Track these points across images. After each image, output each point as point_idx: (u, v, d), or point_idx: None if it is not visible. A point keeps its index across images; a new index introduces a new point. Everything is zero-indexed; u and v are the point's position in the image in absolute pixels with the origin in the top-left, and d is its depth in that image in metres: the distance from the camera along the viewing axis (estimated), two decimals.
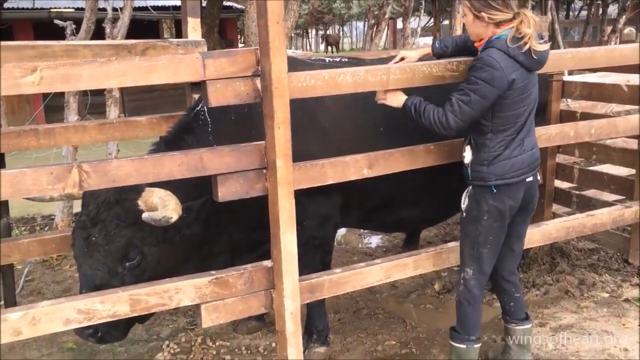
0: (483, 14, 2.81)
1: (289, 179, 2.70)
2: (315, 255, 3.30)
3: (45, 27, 11.26)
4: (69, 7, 12.41)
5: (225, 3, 13.78)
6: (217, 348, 3.60)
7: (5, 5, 10.98)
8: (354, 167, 2.98)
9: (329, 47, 34.80)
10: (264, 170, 2.75)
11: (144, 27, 13.15)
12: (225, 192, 2.70)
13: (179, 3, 13.75)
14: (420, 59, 3.20)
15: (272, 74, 2.56)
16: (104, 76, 2.38)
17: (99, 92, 5.70)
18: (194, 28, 3.53)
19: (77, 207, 5.87)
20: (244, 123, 3.08)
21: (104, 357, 3.57)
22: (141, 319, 3.02)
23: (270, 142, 2.67)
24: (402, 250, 4.61)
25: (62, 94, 6.82)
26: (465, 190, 3.01)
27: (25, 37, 12.27)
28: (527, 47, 2.73)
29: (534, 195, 3.03)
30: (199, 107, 3.11)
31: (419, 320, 3.87)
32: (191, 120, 3.12)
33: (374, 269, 3.12)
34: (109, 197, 2.81)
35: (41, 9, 11.89)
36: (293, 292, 2.80)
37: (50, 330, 2.48)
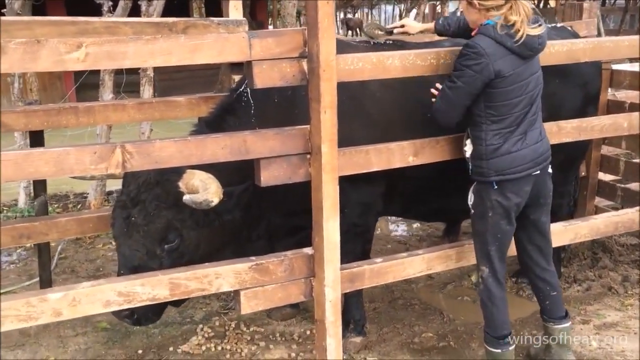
0: (474, 0, 2.72)
1: (334, 165, 2.62)
2: (356, 244, 3.22)
3: (77, 4, 11.26)
4: None
5: None
6: (252, 334, 3.55)
7: None
8: (400, 155, 2.89)
9: (350, 32, 34.25)
10: (308, 155, 2.67)
11: (174, 7, 13.09)
12: (268, 176, 2.63)
13: None
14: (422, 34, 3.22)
15: (320, 56, 2.47)
16: (149, 54, 2.32)
17: (133, 71, 5.67)
18: (235, 7, 3.44)
19: (110, 185, 5.89)
20: (287, 106, 3.00)
21: (138, 338, 3.54)
22: (176, 302, 2.98)
23: (315, 126, 2.58)
24: (441, 240, 4.50)
25: (95, 71, 6.82)
26: (472, 186, 2.93)
27: (58, 13, 12.28)
28: (520, 33, 2.64)
29: (543, 189, 2.92)
30: (242, 88, 3.03)
31: (456, 313, 3.77)
32: (233, 101, 3.05)
33: (416, 259, 3.04)
34: (149, 177, 2.77)
35: None
36: (334, 281, 2.73)
37: (90, 312, 2.45)
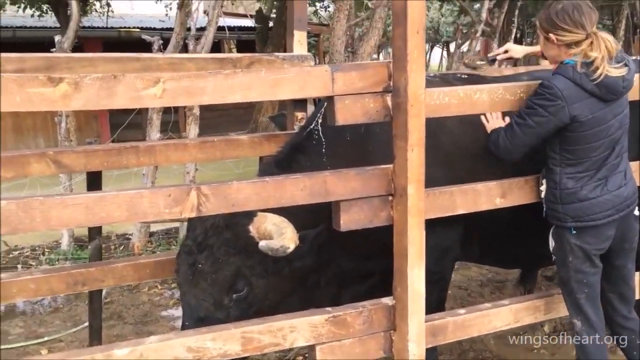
0: (551, 35, 2.54)
1: (420, 208, 2.41)
2: (432, 292, 2.94)
3: (114, 46, 11.41)
4: (136, 27, 12.62)
5: None
6: None
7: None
8: (486, 196, 2.67)
9: None
10: (390, 197, 2.47)
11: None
12: (348, 220, 2.43)
13: (243, 23, 13.86)
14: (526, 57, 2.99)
15: (409, 90, 2.29)
16: (228, 89, 2.16)
17: (175, 110, 5.60)
18: (299, 41, 3.30)
19: (154, 226, 5.74)
20: (360, 143, 2.82)
21: None
22: None
23: (401, 166, 2.38)
24: (516, 287, 4.21)
25: (131, 110, 6.78)
26: (551, 230, 2.72)
27: (95, 52, 12.45)
28: (599, 72, 2.43)
29: (629, 232, 2.69)
30: (312, 125, 2.85)
31: None
32: (303, 139, 2.87)
33: (502, 311, 2.79)
34: (218, 220, 2.58)
35: (111, 28, 12.09)
36: (418, 335, 2.49)
37: None
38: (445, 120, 2.80)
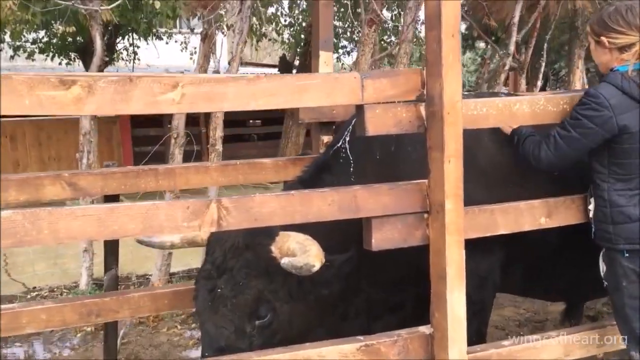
0: (603, 38, 2.39)
1: (459, 225, 2.21)
2: (471, 324, 2.70)
3: None
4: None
5: None
6: None
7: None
8: (529, 215, 2.47)
9: None
10: (425, 215, 2.28)
11: None
12: (381, 239, 2.25)
13: (267, 72, 14.02)
14: None
15: (444, 97, 2.13)
16: (250, 96, 2.03)
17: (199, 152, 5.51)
18: (325, 62, 3.19)
19: (175, 266, 5.57)
20: (390, 162, 2.64)
21: None
22: None
23: (437, 179, 2.20)
24: (562, 322, 3.91)
25: (155, 141, 6.75)
26: (601, 253, 2.52)
27: None
28: None
29: None
30: (339, 144, 2.70)
31: None
32: (330, 158, 2.71)
33: (550, 343, 2.54)
34: (237, 241, 2.40)
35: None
36: None
37: None
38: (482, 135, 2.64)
